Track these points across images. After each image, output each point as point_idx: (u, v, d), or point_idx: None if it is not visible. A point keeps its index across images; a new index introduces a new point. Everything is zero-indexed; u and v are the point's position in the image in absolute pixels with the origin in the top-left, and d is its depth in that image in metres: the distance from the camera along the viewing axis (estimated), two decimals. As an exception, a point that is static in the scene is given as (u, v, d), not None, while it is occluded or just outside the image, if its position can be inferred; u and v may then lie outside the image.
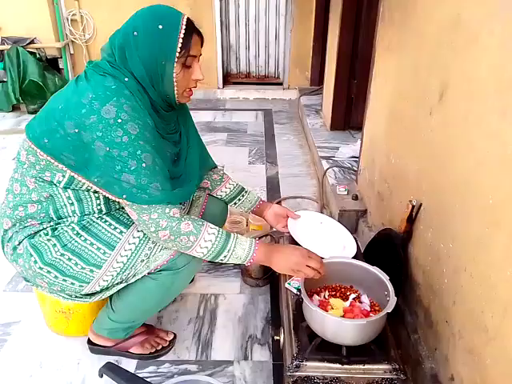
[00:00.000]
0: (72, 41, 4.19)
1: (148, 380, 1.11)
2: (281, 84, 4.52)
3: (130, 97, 1.04)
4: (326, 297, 1.25)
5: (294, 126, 3.67)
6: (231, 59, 4.53)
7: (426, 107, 1.27)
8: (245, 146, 3.22)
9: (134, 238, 1.16)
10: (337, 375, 1.09)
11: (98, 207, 1.16)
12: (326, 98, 3.26)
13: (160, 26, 1.04)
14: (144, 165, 1.05)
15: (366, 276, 1.24)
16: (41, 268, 1.13)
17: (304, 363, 1.10)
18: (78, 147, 1.04)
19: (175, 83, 1.11)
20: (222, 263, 1.85)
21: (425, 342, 1.29)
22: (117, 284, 1.21)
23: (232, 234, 1.16)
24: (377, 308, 1.21)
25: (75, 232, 1.14)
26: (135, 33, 1.05)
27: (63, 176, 1.09)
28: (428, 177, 1.28)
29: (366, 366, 1.09)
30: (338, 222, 1.95)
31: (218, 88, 4.42)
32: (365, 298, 1.25)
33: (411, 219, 1.37)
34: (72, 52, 4.27)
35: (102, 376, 1.12)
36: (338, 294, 1.27)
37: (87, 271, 1.14)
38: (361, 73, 2.71)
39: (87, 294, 1.22)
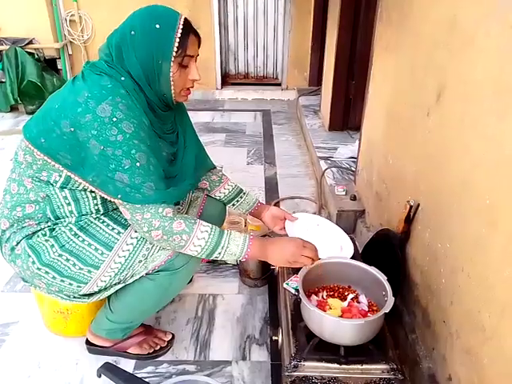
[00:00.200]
0: (70, 41, 4.19)
1: (146, 380, 1.12)
2: (279, 85, 4.53)
3: (125, 96, 1.04)
4: (324, 297, 1.25)
5: (293, 127, 3.67)
6: (230, 60, 4.53)
7: (424, 108, 1.28)
8: (243, 146, 3.23)
9: (131, 238, 1.16)
10: (335, 375, 1.09)
11: (96, 207, 1.16)
12: (324, 98, 3.26)
13: (157, 26, 1.05)
14: (138, 164, 1.04)
15: (363, 276, 1.25)
16: (39, 269, 1.13)
17: (302, 363, 1.10)
18: (74, 146, 1.04)
19: (172, 83, 1.11)
20: (218, 260, 1.86)
21: (422, 341, 1.30)
22: (115, 284, 1.20)
23: (226, 231, 1.16)
24: (375, 308, 1.21)
25: (73, 232, 1.14)
26: (132, 32, 1.05)
27: (60, 176, 1.09)
28: (425, 177, 1.29)
29: (364, 366, 1.09)
30: (336, 222, 1.97)
31: (217, 89, 4.43)
32: (363, 298, 1.25)
33: (409, 219, 1.37)
34: (70, 52, 4.27)
35: (100, 376, 1.12)
36: (335, 294, 1.27)
37: (85, 272, 1.14)
38: (359, 73, 2.72)
39: (85, 295, 1.21)
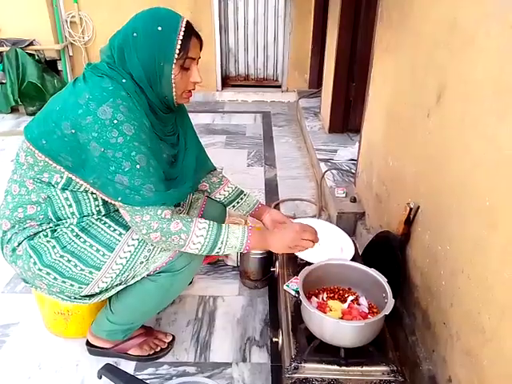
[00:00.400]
0: (71, 43, 4.20)
1: (147, 382, 1.12)
2: (279, 86, 4.53)
3: (126, 98, 1.05)
4: (325, 299, 1.25)
5: (293, 129, 3.68)
6: (230, 62, 4.54)
7: (424, 109, 1.28)
8: (243, 148, 3.23)
9: (133, 239, 1.16)
10: (335, 377, 1.09)
11: (97, 208, 1.17)
12: (324, 100, 3.27)
13: (159, 28, 1.05)
14: (138, 166, 1.05)
15: (364, 278, 1.25)
16: (40, 269, 1.13)
17: (302, 365, 1.10)
18: (75, 148, 1.04)
19: (173, 85, 1.11)
20: (219, 260, 1.87)
21: (423, 343, 1.30)
22: (116, 286, 1.21)
23: (224, 225, 1.16)
24: (375, 310, 1.21)
25: (74, 234, 1.14)
26: (135, 34, 1.06)
27: (61, 177, 1.10)
28: (425, 179, 1.29)
29: (364, 368, 1.10)
30: (336, 224, 1.96)
31: (217, 90, 4.43)
32: (363, 300, 1.25)
33: (409, 221, 1.37)
34: (71, 54, 4.28)
35: (100, 377, 1.12)
36: (336, 296, 1.27)
37: (86, 273, 1.14)
38: (359, 75, 2.73)
39: (86, 296, 1.22)
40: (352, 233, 2.04)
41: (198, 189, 1.49)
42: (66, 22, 4.09)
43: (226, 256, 1.87)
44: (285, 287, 1.37)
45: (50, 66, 3.99)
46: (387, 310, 1.07)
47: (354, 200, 2.09)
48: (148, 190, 1.06)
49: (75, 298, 1.22)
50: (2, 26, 3.92)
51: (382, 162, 1.72)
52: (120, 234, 1.17)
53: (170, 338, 1.45)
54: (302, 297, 1.11)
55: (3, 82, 3.77)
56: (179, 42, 1.06)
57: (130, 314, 1.31)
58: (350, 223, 2.04)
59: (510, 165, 0.86)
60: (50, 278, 1.14)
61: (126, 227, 1.18)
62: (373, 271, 1.22)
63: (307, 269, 1.22)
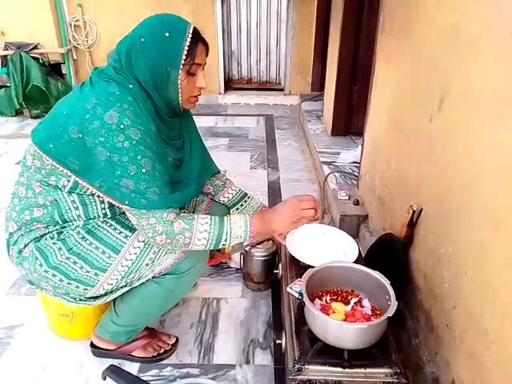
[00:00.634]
0: (75, 46, 4.23)
1: (150, 383, 1.12)
2: (282, 90, 4.55)
3: (133, 103, 1.06)
4: (328, 301, 1.26)
5: (295, 132, 3.69)
6: (233, 65, 4.56)
7: (426, 114, 1.29)
8: (246, 151, 3.24)
9: (138, 242, 1.17)
10: (338, 379, 1.09)
11: (103, 211, 1.18)
12: (326, 103, 3.28)
13: (167, 34, 1.06)
14: (144, 170, 1.06)
15: (367, 280, 1.25)
16: (46, 271, 1.14)
17: (306, 367, 1.10)
18: (82, 152, 1.05)
19: (180, 90, 1.13)
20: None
21: (426, 346, 1.30)
22: (121, 287, 1.22)
23: (225, 218, 1.17)
24: (378, 312, 1.22)
25: (81, 236, 1.16)
26: (142, 39, 1.07)
27: (68, 181, 1.11)
28: (428, 182, 1.29)
29: (368, 370, 1.10)
30: (339, 227, 1.97)
31: (220, 93, 4.45)
32: (366, 303, 1.25)
33: (412, 224, 1.38)
34: (75, 57, 4.31)
35: (105, 378, 1.12)
36: (339, 299, 1.27)
37: (92, 275, 1.15)
38: (362, 79, 2.73)
39: (91, 297, 1.22)
40: (355, 235, 2.04)
41: (203, 192, 1.50)
42: (70, 25, 4.13)
43: (230, 258, 1.88)
44: (288, 289, 1.37)
45: (54, 70, 4.02)
46: (390, 312, 1.07)
47: (356, 203, 2.09)
48: (153, 194, 1.07)
49: (80, 300, 1.23)
50: (6, 29, 3.96)
51: (385, 165, 1.73)
52: (126, 237, 1.18)
53: (174, 340, 1.46)
54: (306, 299, 1.12)
55: (8, 85, 3.80)
56: (186, 48, 1.08)
57: (134, 315, 1.32)
58: (352, 226, 2.05)
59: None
60: (55, 280, 1.15)
61: (132, 229, 1.19)
62: (376, 273, 1.23)
63: (310, 271, 1.22)
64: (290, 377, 1.10)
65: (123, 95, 1.05)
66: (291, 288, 1.37)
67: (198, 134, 1.41)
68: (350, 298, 1.27)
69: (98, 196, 1.13)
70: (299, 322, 1.22)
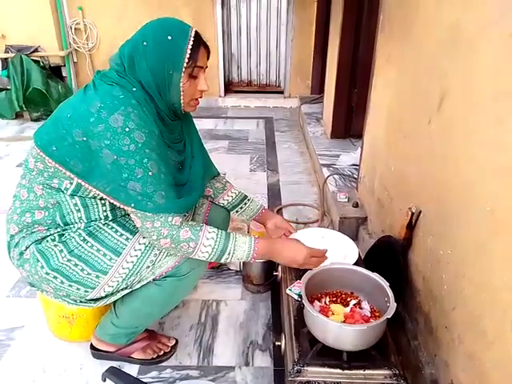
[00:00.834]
0: (75, 49, 4.24)
1: (150, 385, 1.13)
2: (282, 92, 4.56)
3: (137, 106, 1.07)
4: (327, 303, 1.26)
5: (295, 134, 3.70)
6: (233, 68, 4.57)
7: (425, 116, 1.29)
8: (246, 153, 3.25)
9: (139, 244, 1.18)
10: (337, 380, 1.10)
11: (104, 213, 1.18)
12: (326, 106, 3.29)
13: (169, 37, 1.08)
14: (150, 173, 1.07)
15: (366, 282, 1.26)
16: (47, 273, 1.15)
17: (305, 368, 1.11)
18: (86, 155, 1.06)
19: (182, 92, 1.14)
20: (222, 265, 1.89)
21: (425, 348, 1.30)
22: (122, 290, 1.22)
23: (231, 236, 1.18)
24: (377, 314, 1.22)
25: (82, 238, 1.16)
26: (145, 43, 1.08)
27: (71, 183, 1.11)
28: (427, 184, 1.30)
29: (367, 372, 1.10)
30: (339, 229, 1.98)
31: (220, 96, 4.46)
32: (365, 304, 1.26)
33: (411, 226, 1.38)
34: (75, 60, 4.32)
35: (105, 380, 1.13)
36: (338, 300, 1.28)
37: (93, 277, 1.15)
38: (361, 82, 2.74)
39: (92, 300, 1.23)
40: (354, 238, 2.05)
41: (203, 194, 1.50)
42: (71, 28, 4.14)
43: (229, 260, 1.88)
44: (287, 291, 1.38)
45: (54, 73, 4.04)
46: (389, 314, 1.08)
47: (356, 205, 2.10)
48: (160, 197, 1.09)
49: (81, 302, 1.23)
50: (7, 32, 3.97)
51: (384, 167, 1.74)
52: (127, 239, 1.18)
53: (173, 342, 1.46)
54: (305, 301, 1.12)
55: (8, 88, 3.81)
56: (188, 51, 1.09)
57: (134, 317, 1.32)
58: (352, 228, 2.05)
59: (511, 169, 0.88)
60: (56, 282, 1.16)
61: (133, 232, 1.20)
62: (375, 275, 1.23)
63: (310, 273, 1.23)
64: (290, 378, 1.11)
65: (127, 98, 1.06)
66: (290, 290, 1.38)
67: (199, 137, 1.42)
68: (349, 299, 1.28)
69: (100, 198, 1.14)
70: (298, 324, 1.23)
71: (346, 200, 2.15)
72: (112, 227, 1.19)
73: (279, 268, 1.56)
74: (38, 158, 1.11)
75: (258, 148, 3.36)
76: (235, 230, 2.00)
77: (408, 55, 1.49)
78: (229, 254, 1.17)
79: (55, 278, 1.15)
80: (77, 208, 1.15)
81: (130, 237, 1.19)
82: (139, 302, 1.26)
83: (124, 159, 1.04)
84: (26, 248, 1.17)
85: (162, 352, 1.43)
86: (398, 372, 1.10)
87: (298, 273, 1.44)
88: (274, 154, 3.25)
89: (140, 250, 1.18)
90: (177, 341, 1.47)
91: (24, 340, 1.51)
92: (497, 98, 0.92)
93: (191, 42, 1.09)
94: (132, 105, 1.06)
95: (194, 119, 1.42)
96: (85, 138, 1.04)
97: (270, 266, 1.70)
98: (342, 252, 1.50)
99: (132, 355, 1.40)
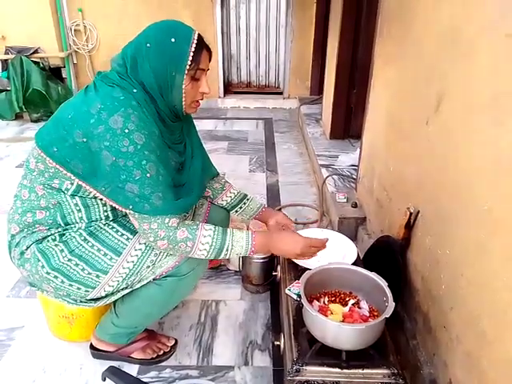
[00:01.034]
0: (75, 51, 4.25)
1: (150, 384, 1.13)
2: (281, 93, 4.57)
3: (137, 107, 1.07)
4: (326, 302, 1.27)
5: (294, 135, 3.71)
6: (232, 69, 4.58)
7: (423, 117, 1.30)
8: (245, 154, 3.26)
9: (140, 244, 1.19)
10: (336, 379, 1.10)
11: (105, 214, 1.19)
12: (325, 107, 3.30)
13: (173, 40, 1.08)
14: (148, 175, 1.07)
15: (365, 282, 1.26)
16: (48, 273, 1.15)
17: (304, 368, 1.11)
18: (86, 156, 1.07)
19: (184, 94, 1.15)
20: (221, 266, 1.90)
21: (423, 347, 1.31)
22: (122, 289, 1.23)
23: (228, 232, 1.19)
24: (376, 313, 1.23)
25: (82, 238, 1.17)
26: (148, 44, 1.09)
27: (71, 184, 1.12)
28: (426, 184, 1.31)
29: (365, 371, 1.11)
30: (338, 229, 1.98)
31: (219, 97, 4.47)
32: (364, 304, 1.26)
33: (409, 226, 1.39)
34: (75, 61, 4.33)
35: (104, 379, 1.13)
36: (337, 300, 1.28)
37: (93, 276, 1.16)
38: (360, 82, 2.75)
39: (92, 299, 1.23)
40: (353, 238, 2.05)
41: (202, 195, 1.50)
42: (71, 30, 4.14)
43: (228, 261, 1.89)
44: (286, 291, 1.38)
45: (54, 74, 4.05)
46: (387, 313, 1.08)
47: (355, 205, 2.10)
48: (157, 199, 1.09)
49: (81, 302, 1.24)
50: (7, 34, 3.98)
51: (383, 168, 1.74)
52: (127, 239, 1.19)
53: (173, 342, 1.46)
54: (304, 300, 1.13)
55: (8, 89, 3.82)
56: (191, 54, 1.10)
57: (134, 317, 1.33)
58: (351, 228, 2.06)
59: (508, 170, 0.88)
60: (57, 282, 1.16)
61: (134, 232, 1.20)
62: (374, 275, 1.24)
63: (309, 273, 1.24)
64: (289, 378, 1.11)
65: (127, 100, 1.07)
66: (289, 290, 1.38)
67: (199, 138, 1.43)
68: (347, 299, 1.28)
69: (101, 199, 1.14)
70: (297, 324, 1.23)
71: (345, 200, 2.15)
72: (113, 227, 1.20)
73: (278, 268, 1.56)
74: (39, 158, 1.12)
75: (258, 149, 3.37)
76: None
77: (406, 56, 1.50)
78: (227, 249, 1.18)
79: (56, 277, 1.16)
80: (77, 208, 1.16)
81: (131, 237, 1.19)
82: (139, 302, 1.26)
83: (123, 161, 1.04)
84: (27, 248, 1.17)
85: (162, 352, 1.43)
86: (396, 371, 1.10)
87: (297, 273, 1.44)
88: (274, 155, 3.26)
89: (140, 249, 1.18)
90: (176, 341, 1.48)
91: (24, 340, 1.52)
92: (495, 98, 0.93)
93: (194, 45, 1.10)
94: (132, 106, 1.06)
95: (193, 120, 1.43)
96: (85, 139, 1.05)
97: (269, 266, 1.70)
98: (340, 252, 1.50)
99: (132, 355, 1.41)
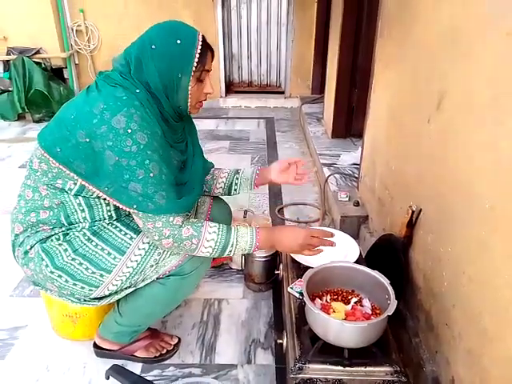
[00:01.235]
0: (77, 51, 4.26)
1: (153, 383, 1.13)
2: (282, 93, 4.57)
3: (139, 107, 1.07)
4: (328, 301, 1.27)
5: (296, 134, 3.71)
6: (234, 68, 4.59)
7: (425, 116, 1.30)
8: (247, 153, 3.26)
9: (143, 243, 1.19)
10: (339, 377, 1.11)
11: (109, 213, 1.19)
12: (327, 106, 3.30)
13: (178, 41, 1.09)
14: (151, 174, 1.08)
15: (367, 280, 1.27)
16: (52, 272, 1.16)
17: (307, 366, 1.12)
18: (89, 156, 1.07)
19: (189, 95, 1.15)
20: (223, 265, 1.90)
21: (426, 345, 1.31)
22: (125, 288, 1.23)
23: (233, 229, 1.19)
24: (378, 311, 1.23)
25: (86, 237, 1.17)
26: (153, 46, 1.09)
27: (74, 184, 1.12)
28: (427, 183, 1.31)
29: (368, 369, 1.11)
30: (340, 228, 1.98)
31: (221, 97, 4.48)
32: (366, 302, 1.27)
33: (411, 224, 1.39)
34: (77, 62, 4.34)
35: (108, 378, 1.14)
36: (339, 298, 1.29)
37: (97, 276, 1.16)
38: (361, 82, 2.75)
39: (96, 298, 1.24)
40: (356, 236, 2.06)
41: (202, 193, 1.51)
42: (72, 30, 4.15)
43: (231, 259, 1.89)
44: (289, 289, 1.38)
45: (56, 74, 4.06)
46: (390, 311, 1.09)
47: (357, 204, 2.10)
48: (160, 198, 1.09)
49: (85, 301, 1.24)
50: (9, 35, 3.99)
51: (385, 167, 1.74)
52: (131, 238, 1.19)
53: (176, 341, 1.47)
54: (306, 299, 1.13)
55: (10, 89, 3.84)
56: (197, 56, 1.10)
57: (137, 316, 1.33)
58: (353, 227, 2.06)
59: (509, 168, 0.88)
60: (61, 281, 1.17)
61: (137, 231, 1.21)
62: (376, 273, 1.24)
63: (311, 271, 1.24)
64: (291, 376, 1.12)
65: (130, 100, 1.07)
66: (292, 288, 1.38)
67: (198, 138, 1.43)
68: (350, 297, 1.29)
69: (104, 199, 1.15)
70: (300, 322, 1.24)
71: (347, 199, 2.15)
72: (116, 226, 1.20)
73: (281, 266, 1.57)
74: (43, 158, 1.12)
75: (259, 148, 3.37)
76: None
77: (407, 56, 1.50)
78: (232, 246, 1.17)
79: (60, 276, 1.16)
80: (81, 208, 1.16)
81: (134, 236, 1.20)
82: (143, 301, 1.27)
83: (126, 160, 1.05)
84: (31, 247, 1.18)
85: (165, 350, 1.44)
86: (399, 369, 1.11)
87: (300, 271, 1.45)
88: (275, 154, 3.26)
89: (144, 249, 1.18)
90: (179, 339, 1.48)
91: (27, 339, 1.53)
92: (496, 97, 0.93)
93: (199, 47, 1.10)
94: (135, 106, 1.06)
95: (195, 120, 1.43)
96: (88, 139, 1.05)
97: (271, 264, 1.71)
98: (343, 250, 1.50)
99: (135, 353, 1.41)
